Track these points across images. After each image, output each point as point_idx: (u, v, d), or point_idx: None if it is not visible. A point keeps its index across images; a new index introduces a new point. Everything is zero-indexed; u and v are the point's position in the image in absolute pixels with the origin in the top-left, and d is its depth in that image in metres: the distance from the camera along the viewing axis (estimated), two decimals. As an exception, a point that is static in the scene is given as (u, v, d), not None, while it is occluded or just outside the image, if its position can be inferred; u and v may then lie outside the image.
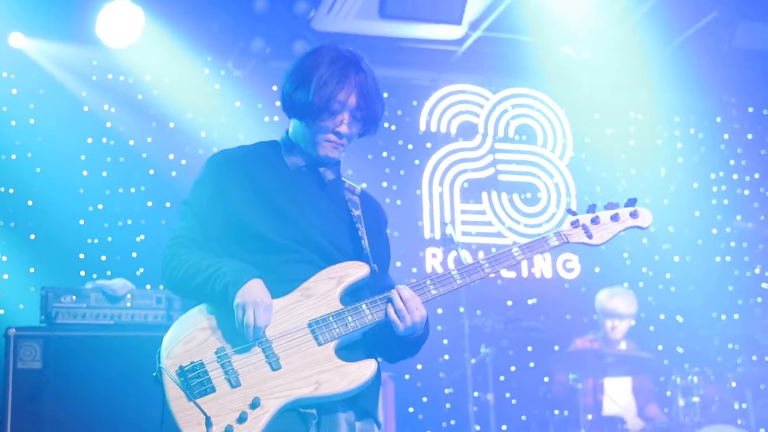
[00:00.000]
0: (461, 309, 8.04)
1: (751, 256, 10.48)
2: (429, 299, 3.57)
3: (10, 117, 8.54)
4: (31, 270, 8.32)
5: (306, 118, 3.61)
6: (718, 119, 10.76)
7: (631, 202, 3.91)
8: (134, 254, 8.62)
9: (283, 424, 3.34)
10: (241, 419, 3.26)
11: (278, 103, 9.02)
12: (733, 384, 8.21)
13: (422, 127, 9.80)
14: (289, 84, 3.64)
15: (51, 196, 8.48)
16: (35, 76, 8.59)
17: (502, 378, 9.30)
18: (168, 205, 8.82)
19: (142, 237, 8.71)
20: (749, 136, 10.79)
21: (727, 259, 10.45)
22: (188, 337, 3.39)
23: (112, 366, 6.23)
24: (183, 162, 8.98)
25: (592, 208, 3.85)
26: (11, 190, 8.47)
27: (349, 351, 3.48)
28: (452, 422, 9.23)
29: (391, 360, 3.72)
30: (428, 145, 9.82)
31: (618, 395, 8.24)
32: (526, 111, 10.21)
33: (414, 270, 9.26)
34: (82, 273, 8.35)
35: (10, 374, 6.13)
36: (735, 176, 10.68)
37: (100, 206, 8.65)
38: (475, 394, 8.31)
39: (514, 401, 9.43)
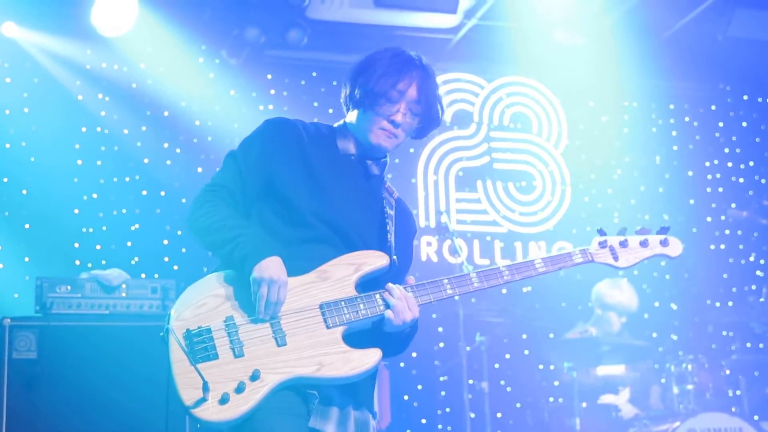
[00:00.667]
0: (456, 297, 8.04)
1: (746, 244, 10.50)
2: (443, 298, 3.59)
3: (4, 106, 8.53)
4: (26, 259, 8.32)
5: (364, 105, 3.65)
6: (713, 107, 10.76)
7: (664, 230, 3.89)
8: (129, 243, 8.63)
9: (282, 401, 3.35)
10: (239, 389, 3.26)
11: (275, 92, 9.01)
12: (727, 372, 8.22)
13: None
14: (352, 74, 3.71)
15: (45, 185, 8.48)
16: (29, 65, 8.58)
17: (497, 366, 9.32)
18: (163, 194, 8.83)
19: (137, 226, 8.71)
20: (744, 124, 10.79)
21: (722, 247, 10.47)
22: (200, 302, 3.39)
23: (107, 356, 6.23)
24: (177, 151, 8.98)
25: (622, 231, 3.84)
26: (5, 179, 8.47)
27: (355, 338, 3.47)
28: (447, 410, 9.25)
29: (386, 354, 3.70)
30: (423, 133, 9.80)
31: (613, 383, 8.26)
32: (521, 99, 10.21)
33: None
34: (77, 262, 8.35)
35: (6, 364, 6.13)
36: (730, 164, 10.69)
37: (94, 195, 8.65)
38: (470, 381, 8.33)
39: (509, 389, 9.44)
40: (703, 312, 9.81)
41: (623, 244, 3.82)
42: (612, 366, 8.18)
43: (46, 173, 8.48)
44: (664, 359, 8.36)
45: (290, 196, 3.57)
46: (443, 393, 9.30)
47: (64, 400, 6.12)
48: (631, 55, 9.74)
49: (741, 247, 10.50)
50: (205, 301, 3.40)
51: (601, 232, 3.84)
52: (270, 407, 3.31)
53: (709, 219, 10.48)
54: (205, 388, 3.23)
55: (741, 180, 10.67)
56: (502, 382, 9.41)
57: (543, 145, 10.17)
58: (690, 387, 7.86)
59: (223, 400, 3.24)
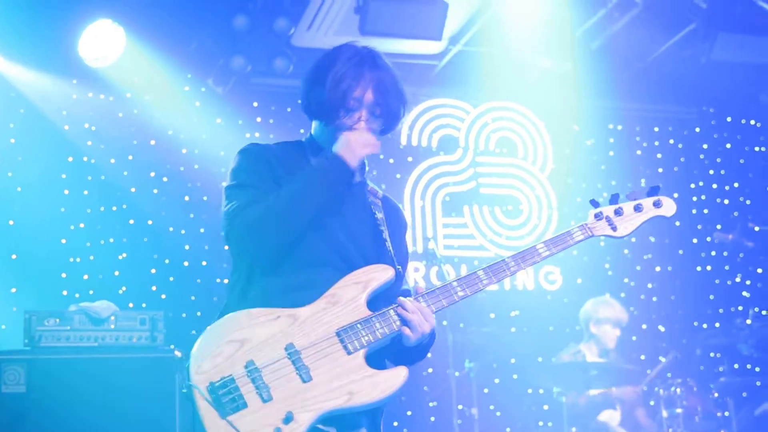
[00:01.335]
0: (444, 323, 8.06)
1: (732, 265, 10.54)
2: (456, 301, 3.55)
3: (-11, 137, 8.52)
4: (13, 290, 8.27)
5: (324, 117, 3.62)
6: (698, 129, 10.83)
7: (654, 190, 3.91)
8: (116, 273, 8.59)
9: None
10: None
11: (261, 120, 9.04)
12: (716, 394, 8.25)
13: (403, 141, 9.81)
14: (306, 84, 3.66)
15: (32, 215, 8.44)
16: (14, 95, 8.56)
17: (486, 390, 9.32)
18: (150, 222, 8.82)
19: (125, 255, 8.69)
20: (728, 146, 10.85)
21: (708, 268, 10.51)
22: (216, 351, 3.31)
23: (97, 388, 6.21)
24: (164, 179, 8.97)
25: (614, 199, 3.84)
26: (-9, 210, 8.44)
27: (377, 356, 3.45)
28: (437, 436, 9.25)
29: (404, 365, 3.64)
30: (409, 158, 9.84)
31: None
32: (507, 124, 10.24)
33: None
34: (65, 292, 8.32)
35: (-6, 399, 6.11)
36: (714, 186, 10.74)
37: (81, 225, 8.62)
38: (460, 407, 8.34)
39: (498, 414, 9.44)
40: (691, 334, 9.84)
41: (618, 212, 3.83)
42: (601, 390, 8.19)
43: (32, 203, 8.44)
44: (653, 382, 8.38)
45: None
46: (432, 419, 9.29)
47: (53, 434, 6.11)
48: (615, 79, 9.80)
49: (727, 268, 10.55)
50: (221, 349, 3.31)
51: (594, 203, 3.83)
52: None
53: (695, 240, 10.53)
54: None
55: (726, 201, 10.73)
56: (492, 407, 9.40)
57: (529, 169, 10.21)
58: (679, 410, 7.89)
59: None
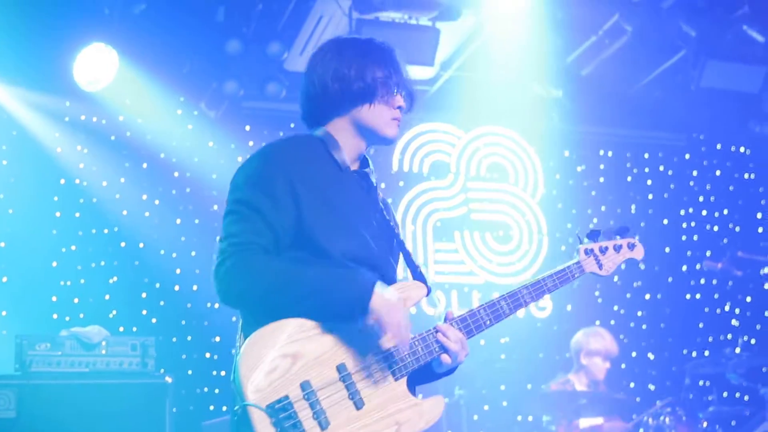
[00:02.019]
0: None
1: (721, 293, 10.57)
2: (483, 330, 3.54)
3: (-18, 159, 8.51)
4: (3, 313, 8.24)
5: (372, 98, 3.44)
6: (687, 156, 10.88)
7: (624, 231, 4.03)
8: (107, 296, 8.58)
9: None
10: None
11: (253, 143, 9.03)
12: (705, 423, 8.24)
13: (395, 167, 9.83)
14: (339, 75, 3.43)
15: (23, 237, 8.43)
16: (6, 117, 8.54)
17: (475, 417, 9.29)
18: (141, 246, 8.80)
19: (115, 279, 8.68)
20: (718, 173, 10.90)
21: (697, 296, 10.54)
22: (270, 366, 3.08)
23: (87, 414, 6.20)
24: (156, 202, 8.96)
25: (593, 235, 3.93)
26: (-17, 232, 8.42)
27: (409, 382, 3.35)
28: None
29: (419, 381, 3.52)
30: (401, 184, 9.85)
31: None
32: (498, 149, 10.27)
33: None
34: (55, 315, 8.30)
35: (-16, 424, 6.08)
36: (704, 212, 10.79)
37: (72, 248, 8.61)
38: (449, 433, 8.33)
39: (488, 440, 9.44)
40: (680, 362, 9.85)
41: (603, 250, 3.91)
42: (591, 419, 8.18)
43: (24, 226, 8.43)
44: (642, 410, 8.38)
45: (320, 241, 3.25)
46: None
47: (43, 461, 6.08)
48: (605, 106, 9.86)
49: (716, 296, 10.58)
50: (275, 363, 3.08)
51: (581, 239, 3.91)
52: None
53: (684, 268, 10.56)
54: None
55: (716, 228, 10.77)
56: (481, 434, 9.40)
57: (520, 194, 10.23)
58: (668, 440, 7.87)
59: None
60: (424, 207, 9.86)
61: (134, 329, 8.32)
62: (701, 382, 9.78)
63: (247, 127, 9.40)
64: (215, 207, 8.90)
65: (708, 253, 10.44)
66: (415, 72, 9.04)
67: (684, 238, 10.66)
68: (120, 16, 7.97)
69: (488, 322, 3.53)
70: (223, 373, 8.65)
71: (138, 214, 8.89)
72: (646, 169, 10.73)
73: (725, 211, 10.86)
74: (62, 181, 8.72)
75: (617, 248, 3.96)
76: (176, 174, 9.06)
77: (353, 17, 8.20)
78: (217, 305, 8.68)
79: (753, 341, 10.18)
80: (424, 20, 8.27)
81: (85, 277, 8.58)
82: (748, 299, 10.61)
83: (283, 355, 3.10)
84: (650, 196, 10.63)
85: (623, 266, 4.05)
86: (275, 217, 3.21)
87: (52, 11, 7.57)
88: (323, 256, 3.25)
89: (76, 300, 8.48)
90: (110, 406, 6.26)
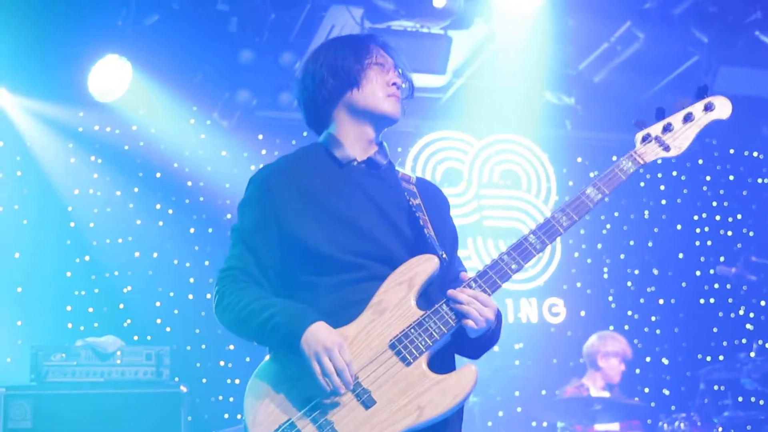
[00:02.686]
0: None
1: (735, 297, 10.55)
2: (511, 276, 3.25)
3: (-4, 169, 8.57)
4: (18, 323, 8.28)
5: (359, 81, 3.41)
6: (700, 161, 10.86)
7: (702, 93, 3.56)
8: (121, 306, 8.63)
9: None
10: None
11: (266, 152, 9.05)
12: (720, 429, 8.22)
13: (409, 170, 9.82)
14: (332, 69, 3.44)
15: (38, 248, 8.49)
16: (20, 128, 8.59)
17: (489, 424, 9.29)
18: (155, 255, 8.84)
19: (129, 288, 8.72)
20: (731, 178, 10.89)
21: (711, 301, 10.52)
22: (268, 399, 3.10)
23: (103, 424, 6.26)
24: (170, 212, 9.00)
25: (660, 114, 3.49)
26: (-2, 242, 8.47)
27: (438, 359, 3.19)
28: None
29: (473, 357, 3.37)
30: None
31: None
32: (510, 156, 10.28)
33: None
34: (69, 325, 8.35)
35: (1, 434, 6.12)
36: (718, 217, 10.76)
37: (86, 258, 8.66)
38: (464, 440, 8.31)
39: (502, 446, 9.44)
40: (695, 367, 9.82)
41: (667, 128, 3.49)
42: (606, 424, 8.17)
43: (38, 236, 8.50)
44: (656, 416, 8.37)
45: (312, 245, 3.25)
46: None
47: (60, 471, 6.12)
48: (618, 112, 9.83)
49: (730, 300, 10.55)
50: (272, 396, 3.10)
51: (639, 125, 3.51)
52: None
53: (698, 273, 10.54)
54: None
55: (729, 233, 10.74)
56: (496, 440, 9.40)
57: (533, 201, 10.24)
58: (683, 446, 7.86)
59: None
60: (437, 215, 9.85)
61: (148, 338, 8.35)
62: (716, 387, 9.75)
63: (260, 136, 9.43)
64: (228, 216, 8.92)
65: (722, 258, 10.42)
66: (427, 80, 9.10)
67: (698, 243, 10.64)
68: (133, 27, 8.01)
69: (514, 266, 3.25)
70: (237, 381, 8.67)
71: (152, 223, 8.94)
72: (660, 175, 10.71)
73: (739, 216, 10.84)
74: (76, 192, 8.77)
75: (688, 118, 3.51)
76: (189, 183, 9.10)
77: (365, 26, 8.22)
78: (231, 314, 8.70)
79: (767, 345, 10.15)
80: (436, 29, 8.28)
81: (99, 287, 8.62)
82: (762, 303, 10.58)
83: (280, 382, 3.13)
84: (663, 202, 10.61)
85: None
86: (255, 241, 3.30)
87: (65, 23, 7.60)
88: (327, 260, 3.24)
89: (90, 309, 8.53)
90: (125, 416, 6.31)
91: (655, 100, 9.81)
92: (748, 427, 8.87)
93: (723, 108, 3.55)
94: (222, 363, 8.81)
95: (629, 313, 10.22)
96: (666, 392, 10.03)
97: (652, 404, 9.27)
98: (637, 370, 9.88)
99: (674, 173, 10.74)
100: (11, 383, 6.50)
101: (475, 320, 3.14)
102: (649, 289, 10.34)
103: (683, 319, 10.35)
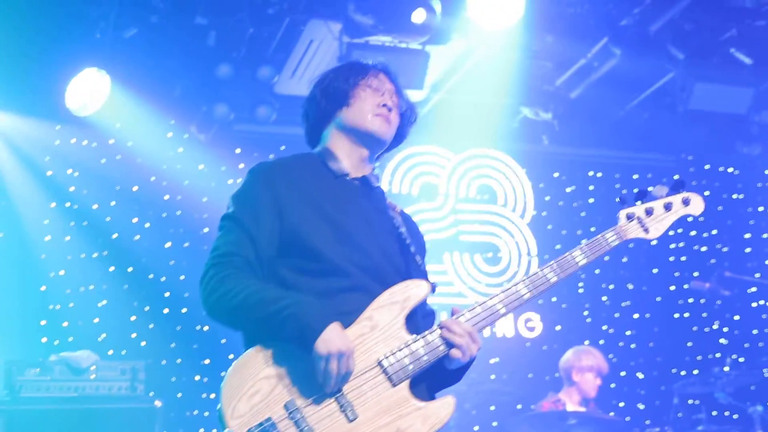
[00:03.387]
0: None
1: (709, 312, 10.61)
2: (498, 319, 3.41)
3: (-28, 182, 8.52)
4: (-8, 337, 8.25)
5: (348, 100, 3.53)
6: (676, 177, 10.86)
7: (679, 186, 3.82)
8: (96, 320, 8.59)
9: None
10: None
11: (244, 166, 9.05)
12: (694, 444, 8.29)
13: (384, 188, 9.82)
14: (323, 89, 3.61)
15: (13, 261, 8.44)
16: (-3, 141, 8.59)
17: (466, 438, 9.33)
18: (130, 269, 8.81)
19: (104, 302, 8.69)
20: (706, 193, 10.92)
21: (686, 315, 10.58)
22: (251, 390, 3.08)
23: (77, 439, 6.21)
24: (146, 226, 8.98)
25: (641, 196, 3.77)
26: (-27, 256, 8.42)
27: (418, 384, 3.25)
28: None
29: (443, 386, 3.44)
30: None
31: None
32: (487, 171, 10.32)
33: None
34: (44, 339, 8.31)
35: (-27, 450, 6.09)
36: (693, 233, 10.83)
37: (61, 272, 8.61)
38: (439, 455, 8.32)
39: (478, 461, 9.45)
40: (669, 381, 9.87)
41: (649, 212, 3.73)
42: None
43: (13, 249, 8.46)
44: (631, 430, 8.40)
45: (315, 247, 3.29)
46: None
47: (33, 486, 6.09)
48: (594, 127, 9.91)
49: (705, 315, 10.61)
50: (257, 387, 3.08)
51: (624, 202, 3.74)
52: None
53: (672, 288, 10.59)
54: None
55: (704, 249, 10.81)
56: (471, 454, 9.41)
57: (509, 216, 10.27)
58: (658, 460, 7.89)
59: None
60: (413, 229, 9.86)
61: (123, 353, 8.31)
62: (690, 401, 9.78)
63: (238, 150, 9.42)
64: (206, 230, 8.92)
65: (696, 273, 10.48)
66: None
67: (672, 258, 10.70)
68: (111, 40, 8.00)
69: (502, 311, 3.40)
70: (213, 395, 8.64)
71: (128, 237, 8.91)
72: (635, 190, 10.70)
73: (714, 232, 10.91)
74: (53, 205, 8.74)
75: (668, 207, 3.76)
76: (167, 197, 9.08)
77: (343, 41, 8.24)
78: (206, 328, 8.71)
79: (741, 360, 10.21)
80: (414, 44, 8.31)
81: (74, 301, 8.58)
82: (736, 318, 10.65)
83: (266, 377, 3.11)
84: (639, 217, 10.63)
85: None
86: (256, 230, 3.30)
87: (43, 37, 7.59)
88: (322, 261, 3.28)
89: (65, 324, 8.48)
90: (100, 431, 6.26)
91: (631, 116, 9.88)
92: (723, 441, 8.94)
93: (697, 205, 3.84)
94: (197, 377, 8.78)
95: (604, 327, 10.26)
96: (641, 406, 10.06)
97: (627, 418, 9.29)
98: (612, 385, 9.92)
99: (650, 189, 10.76)
100: (-17, 398, 6.46)
101: (464, 353, 3.25)
102: (624, 303, 10.39)
103: (658, 333, 10.40)
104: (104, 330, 8.54)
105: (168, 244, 8.98)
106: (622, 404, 9.93)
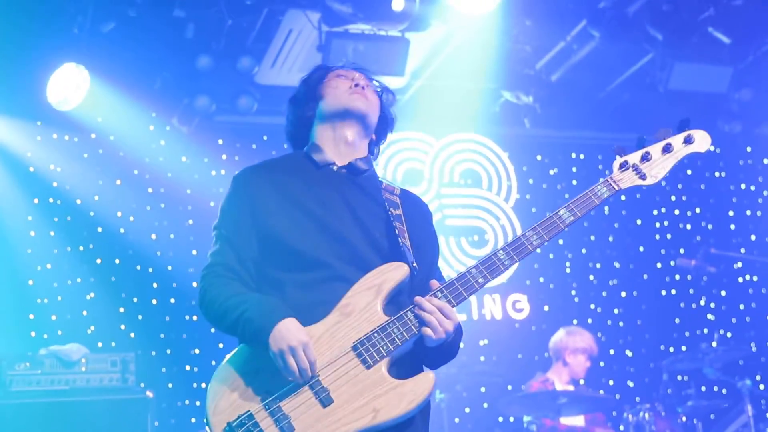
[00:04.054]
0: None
1: (696, 288, 10.68)
2: (477, 290, 3.32)
3: (-45, 180, 8.51)
4: (-19, 333, 8.24)
5: (324, 91, 3.62)
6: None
7: (683, 125, 3.56)
8: (84, 312, 8.59)
9: None
10: None
11: (226, 157, 9.06)
12: (684, 418, 8.33)
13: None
14: (295, 98, 3.72)
15: (-1, 257, 8.44)
16: (-23, 139, 8.57)
17: (457, 420, 9.36)
18: (117, 262, 8.82)
19: (92, 295, 8.68)
20: (689, 172, 11.01)
21: (673, 292, 10.64)
22: (231, 387, 3.21)
23: (69, 431, 6.20)
24: (131, 219, 8.98)
25: (640, 143, 3.52)
26: (-41, 253, 8.41)
27: (400, 365, 3.26)
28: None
29: (432, 367, 3.42)
30: (376, 192, 9.87)
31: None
32: (471, 155, 10.36)
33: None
34: (33, 333, 8.31)
35: (-36, 445, 6.09)
36: (677, 212, 10.89)
37: (48, 266, 8.61)
38: (431, 438, 8.37)
39: (469, 443, 9.50)
40: (658, 358, 9.93)
41: (645, 157, 3.51)
42: (571, 417, 8.25)
43: (-2, 245, 8.45)
44: (621, 408, 8.45)
45: (288, 242, 3.35)
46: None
47: (26, 481, 6.10)
48: (576, 110, 9.94)
49: (691, 291, 10.68)
50: (237, 385, 3.21)
51: (619, 151, 3.52)
52: None
53: (659, 265, 10.65)
54: None
55: (688, 226, 10.87)
56: (463, 437, 9.46)
57: (493, 199, 10.31)
58: (648, 436, 7.94)
59: None
60: (399, 215, 9.89)
61: (113, 344, 8.32)
62: (679, 377, 9.88)
63: (220, 141, 9.44)
64: (190, 222, 8.93)
65: (681, 251, 10.55)
66: (386, 82, 9.10)
67: (657, 236, 10.76)
68: (89, 35, 7.99)
69: (481, 280, 3.30)
70: (203, 385, 8.62)
71: (113, 230, 8.91)
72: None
73: (697, 210, 10.97)
74: (36, 201, 8.73)
75: (667, 149, 3.53)
76: (150, 190, 9.08)
77: (323, 30, 8.26)
78: (195, 317, 8.73)
79: (729, 335, 10.29)
80: (394, 31, 8.33)
81: (62, 295, 8.58)
82: (723, 294, 10.72)
83: (244, 374, 3.24)
84: (623, 198, 10.72)
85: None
86: (237, 236, 3.42)
87: (21, 33, 7.57)
88: (298, 256, 3.34)
89: (53, 317, 8.48)
90: (92, 423, 6.29)
91: (612, 97, 9.93)
92: (712, 416, 9.02)
93: (702, 141, 3.55)
94: (188, 367, 8.80)
95: (592, 306, 10.32)
96: (630, 384, 10.13)
97: (617, 396, 9.37)
98: (602, 363, 9.97)
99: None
100: (-25, 394, 6.46)
101: (434, 330, 3.21)
102: (612, 282, 10.45)
103: (645, 311, 10.46)
104: (93, 322, 8.54)
105: (153, 236, 8.97)
106: (611, 382, 10.00)
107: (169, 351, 8.70)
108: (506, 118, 10.00)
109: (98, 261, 8.82)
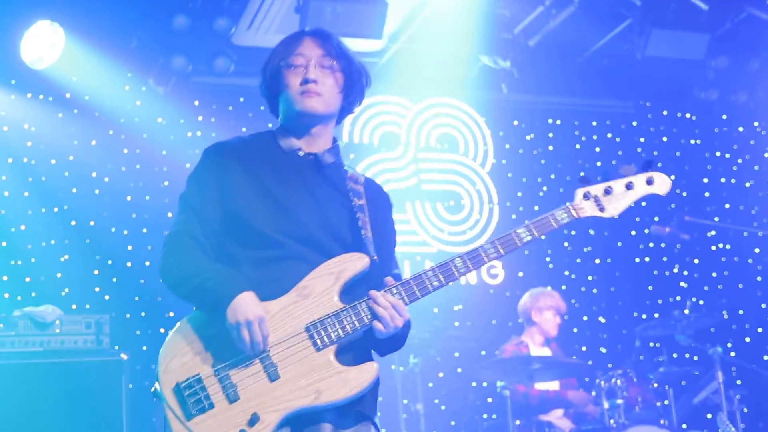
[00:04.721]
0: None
1: (669, 256, 10.74)
2: (431, 291, 3.44)
3: (-73, 138, 8.41)
4: (-46, 295, 8.19)
5: (279, 85, 3.57)
6: (635, 123, 11.00)
7: (647, 166, 3.75)
8: (59, 275, 8.53)
9: None
10: None
11: (202, 118, 8.99)
12: (655, 384, 8.40)
13: (345, 139, 9.84)
14: (263, 73, 3.64)
15: (-29, 218, 8.37)
16: (-49, 96, 8.46)
17: (430, 385, 9.40)
18: (92, 223, 8.77)
19: (67, 257, 8.63)
20: (665, 139, 11.04)
21: (647, 260, 10.70)
22: (184, 350, 3.31)
23: (43, 393, 6.21)
24: (106, 180, 8.91)
25: (605, 177, 3.68)
26: (-69, 214, 8.33)
27: (348, 351, 3.38)
28: (383, 431, 9.29)
29: (380, 354, 3.56)
30: (351, 156, 9.83)
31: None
32: (447, 120, 10.34)
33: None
34: (6, 295, 8.22)
35: (-62, 406, 6.06)
36: (652, 178, 10.89)
37: (22, 227, 8.55)
38: (405, 401, 8.42)
39: (443, 407, 9.53)
40: (631, 325, 10.00)
41: (608, 191, 3.67)
42: (545, 383, 8.31)
43: (-29, 206, 8.38)
44: (594, 374, 8.51)
45: (249, 220, 3.43)
46: (378, 414, 9.33)
47: (0, 441, 6.08)
48: (553, 75, 9.93)
49: (665, 259, 10.74)
50: (189, 348, 3.32)
51: (583, 182, 3.66)
52: None
53: (633, 233, 10.70)
54: None
55: (663, 193, 10.88)
56: (436, 401, 9.49)
57: (470, 164, 10.31)
58: (620, 401, 7.99)
59: None
60: (375, 178, 9.84)
61: (87, 307, 8.26)
62: (651, 344, 9.94)
63: (196, 102, 9.36)
64: (166, 183, 8.87)
65: (656, 218, 10.58)
66: (363, 45, 9.08)
67: (632, 204, 10.76)
68: (64, -8, 7.90)
69: (435, 283, 3.44)
70: (178, 348, 8.64)
71: (88, 192, 8.85)
72: (595, 137, 10.83)
73: (672, 177, 10.81)
74: (10, 161, 8.64)
75: (629, 186, 3.70)
76: (125, 151, 9.01)
77: (300, -9, 8.19)
78: (170, 281, 8.68)
79: (701, 302, 10.36)
80: (372, -7, 8.27)
81: (36, 256, 8.52)
82: (696, 261, 10.79)
83: (200, 338, 3.34)
84: (598, 164, 10.73)
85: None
86: (201, 207, 3.49)
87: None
88: (256, 233, 3.44)
89: (27, 279, 8.42)
90: (66, 385, 6.29)
91: (590, 63, 9.92)
92: (683, 382, 9.09)
93: (662, 185, 3.80)
94: (162, 330, 8.75)
95: (566, 273, 10.36)
96: (603, 350, 10.20)
97: (590, 362, 9.40)
98: (575, 329, 10.04)
99: (609, 135, 10.87)
100: (-52, 355, 6.42)
101: (386, 325, 3.35)
102: (586, 249, 10.49)
103: (619, 278, 10.52)
104: (67, 285, 8.48)
105: (129, 198, 8.92)
106: (584, 348, 10.07)
107: (143, 314, 8.67)
108: (484, 82, 9.98)
109: (73, 223, 8.75)
